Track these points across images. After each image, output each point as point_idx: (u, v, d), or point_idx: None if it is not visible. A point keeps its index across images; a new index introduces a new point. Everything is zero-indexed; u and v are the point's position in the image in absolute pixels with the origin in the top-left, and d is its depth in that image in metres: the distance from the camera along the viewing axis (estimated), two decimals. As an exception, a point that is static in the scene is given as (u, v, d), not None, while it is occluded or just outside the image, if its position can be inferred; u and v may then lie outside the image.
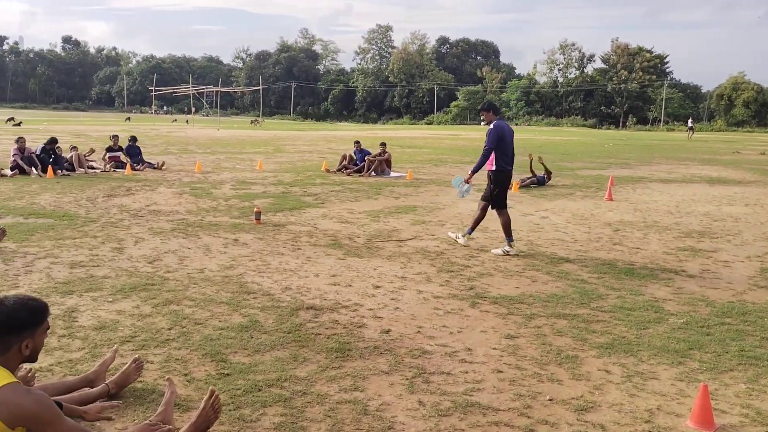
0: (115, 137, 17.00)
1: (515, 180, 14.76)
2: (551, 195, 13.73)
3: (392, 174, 16.92)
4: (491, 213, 8.07)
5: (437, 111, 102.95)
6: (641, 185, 16.27)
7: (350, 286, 6.15)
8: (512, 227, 7.94)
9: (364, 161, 16.99)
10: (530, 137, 46.76)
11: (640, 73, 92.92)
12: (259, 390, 3.77)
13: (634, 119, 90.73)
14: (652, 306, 5.74)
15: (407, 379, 4.02)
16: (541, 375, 4.16)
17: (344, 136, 42.96)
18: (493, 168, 7.85)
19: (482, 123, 8.43)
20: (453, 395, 3.81)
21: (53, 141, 15.48)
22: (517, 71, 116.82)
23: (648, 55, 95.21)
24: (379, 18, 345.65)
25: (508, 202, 8.10)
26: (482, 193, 8.18)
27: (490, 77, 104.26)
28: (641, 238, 9.07)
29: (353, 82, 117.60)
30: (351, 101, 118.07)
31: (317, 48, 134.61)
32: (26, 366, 3.40)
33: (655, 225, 10.24)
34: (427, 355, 4.42)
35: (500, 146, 7.76)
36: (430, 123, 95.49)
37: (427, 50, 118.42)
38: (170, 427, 3.13)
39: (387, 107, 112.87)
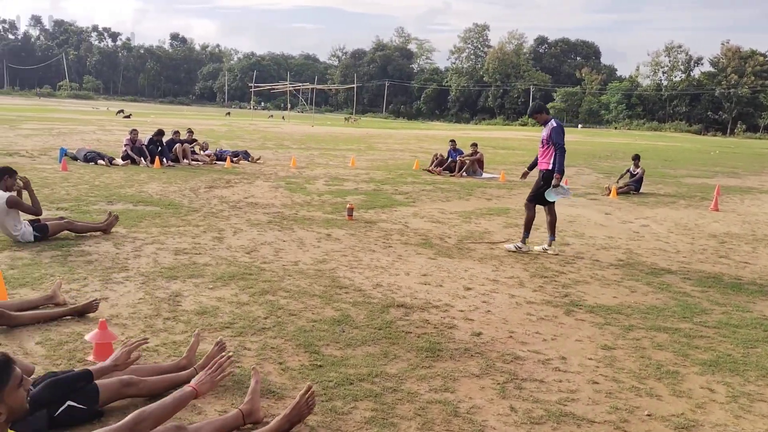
0: (206, 143, 18.55)
1: (612, 185, 14.29)
2: (652, 203, 13.17)
3: (484, 175, 16.75)
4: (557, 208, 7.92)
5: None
6: (750, 196, 15.34)
7: (441, 286, 6.13)
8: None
9: (456, 160, 16.92)
10: (629, 141, 45.10)
11: (752, 78, 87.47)
12: (351, 384, 3.82)
13: (744, 126, 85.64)
14: (760, 324, 5.40)
15: (499, 383, 3.96)
16: (639, 389, 4.00)
17: (436, 135, 42.94)
18: (549, 167, 7.75)
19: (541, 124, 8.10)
20: (546, 403, 3.72)
21: (160, 133, 16.32)
22: (618, 73, 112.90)
23: (761, 58, 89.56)
24: (477, 17, 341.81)
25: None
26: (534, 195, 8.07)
27: (589, 78, 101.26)
28: (749, 252, 8.56)
29: (447, 82, 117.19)
30: (444, 100, 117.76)
31: (412, 47, 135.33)
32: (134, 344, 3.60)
33: (765, 239, 9.63)
34: (519, 361, 4.34)
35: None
36: (525, 124, 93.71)
37: (524, 50, 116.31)
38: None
39: (480, 107, 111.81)
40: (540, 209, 8.07)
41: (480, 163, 17.04)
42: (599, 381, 4.09)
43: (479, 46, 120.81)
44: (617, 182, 14.93)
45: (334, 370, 4.01)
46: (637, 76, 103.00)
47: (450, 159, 17.22)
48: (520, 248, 7.83)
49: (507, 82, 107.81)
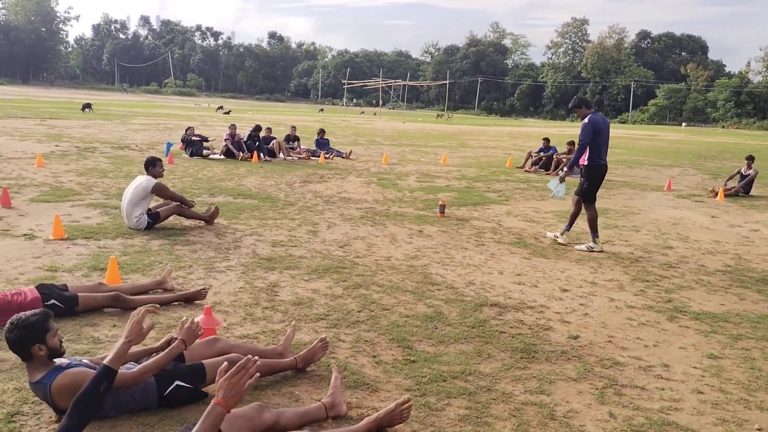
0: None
1: (719, 187, 13.53)
2: (763, 206, 12.38)
3: (581, 174, 16.26)
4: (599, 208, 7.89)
5: (633, 109, 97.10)
6: None
7: (536, 286, 6.01)
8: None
9: (551, 158, 16.57)
10: (738, 141, 42.56)
11: None
12: (444, 380, 3.82)
13: None
14: None
15: (597, 388, 3.84)
16: (748, 401, 3.78)
17: (530, 132, 42.14)
18: (585, 163, 7.72)
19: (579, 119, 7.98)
20: (647, 411, 3.58)
21: (258, 128, 16.88)
22: (726, 69, 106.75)
23: None
24: (576, 10, 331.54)
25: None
26: (575, 189, 8.12)
27: (695, 74, 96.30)
28: None
29: (542, 77, 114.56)
30: (538, 97, 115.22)
31: (507, 42, 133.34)
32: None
33: None
34: (619, 367, 4.20)
35: (594, 140, 7.58)
36: (624, 122, 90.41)
37: (626, 45, 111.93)
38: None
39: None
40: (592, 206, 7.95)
41: (576, 161, 16.57)
42: (705, 391, 3.89)
43: (577, 40, 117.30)
44: (725, 183, 14.13)
45: (427, 366, 4.02)
46: (747, 72, 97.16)
47: (543, 154, 16.95)
48: (592, 248, 7.66)
49: (606, 78, 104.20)
